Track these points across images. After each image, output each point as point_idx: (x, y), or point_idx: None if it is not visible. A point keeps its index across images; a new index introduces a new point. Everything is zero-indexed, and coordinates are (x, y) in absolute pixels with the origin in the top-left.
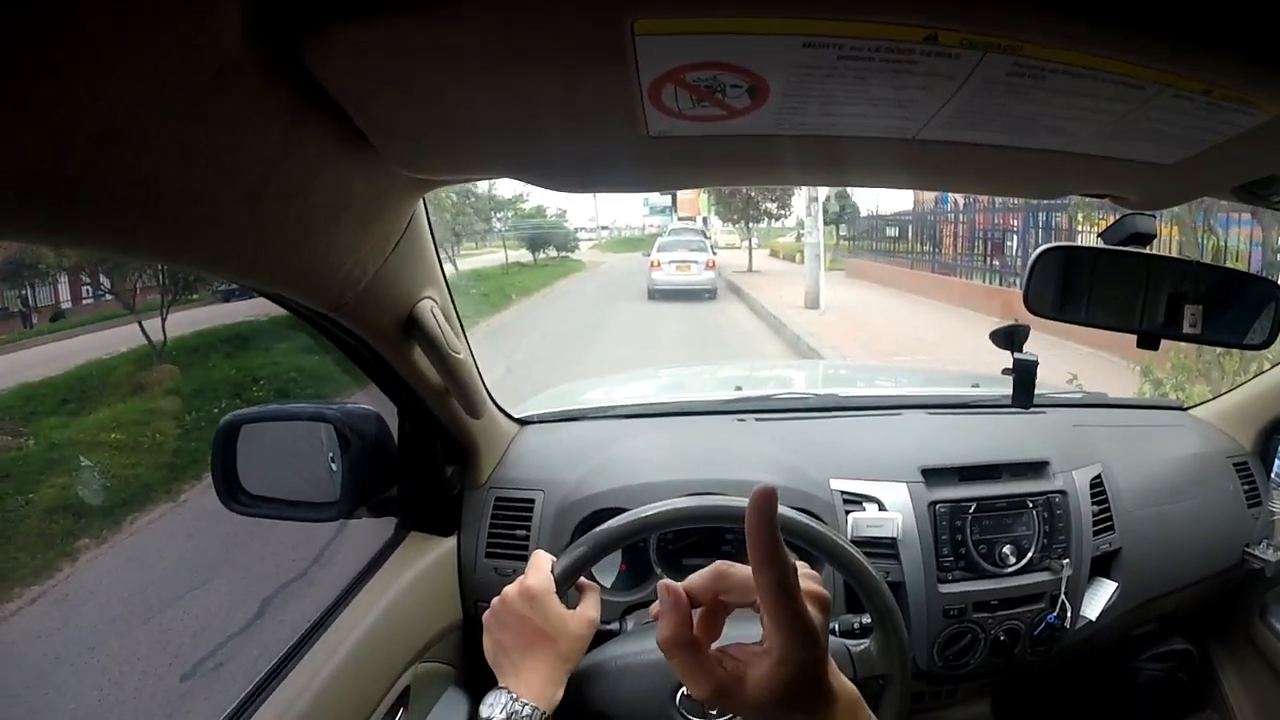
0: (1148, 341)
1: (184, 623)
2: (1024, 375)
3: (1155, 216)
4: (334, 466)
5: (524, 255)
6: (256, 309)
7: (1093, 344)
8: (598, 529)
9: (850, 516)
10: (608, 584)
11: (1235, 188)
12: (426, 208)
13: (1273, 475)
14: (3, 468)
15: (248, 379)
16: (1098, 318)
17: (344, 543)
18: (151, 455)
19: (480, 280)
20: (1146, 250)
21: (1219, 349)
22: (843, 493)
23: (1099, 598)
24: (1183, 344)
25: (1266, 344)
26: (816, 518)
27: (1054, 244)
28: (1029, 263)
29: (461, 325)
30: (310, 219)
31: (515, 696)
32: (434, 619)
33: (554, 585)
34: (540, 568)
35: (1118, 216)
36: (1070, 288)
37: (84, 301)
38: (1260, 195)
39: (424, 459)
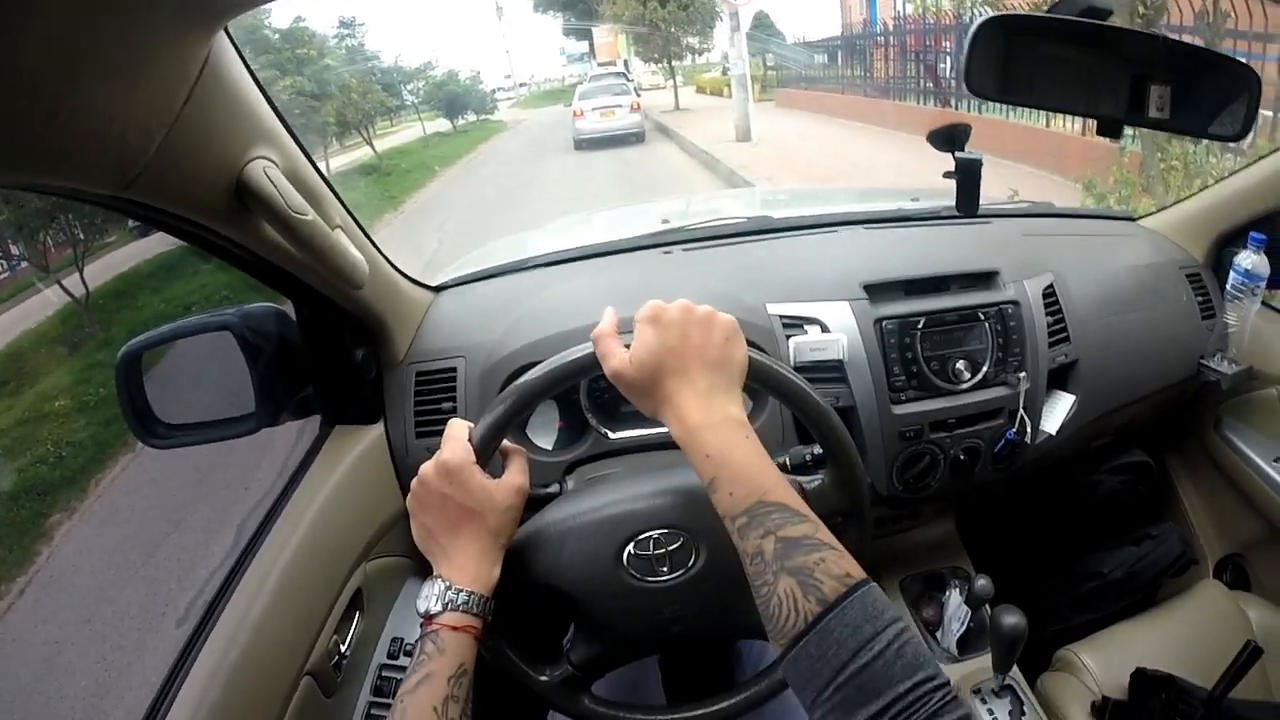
0: (1109, 128)
1: (168, 569)
2: (968, 176)
3: None
4: (249, 375)
5: (442, 125)
6: (177, 239)
7: (1031, 162)
8: (511, 386)
9: (791, 341)
10: (547, 444)
11: None
12: (239, 48)
13: (1228, 287)
14: None
15: (179, 309)
16: (1051, 99)
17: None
18: (100, 411)
19: (400, 156)
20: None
21: (1162, 164)
22: (781, 317)
23: (1057, 411)
24: (1125, 159)
25: (1238, 135)
26: (756, 347)
27: (996, 14)
28: (968, 36)
29: (331, 187)
30: (33, 75)
31: (450, 584)
32: (375, 514)
33: (473, 455)
34: (456, 438)
35: None
36: (1018, 65)
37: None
38: None
39: (331, 346)
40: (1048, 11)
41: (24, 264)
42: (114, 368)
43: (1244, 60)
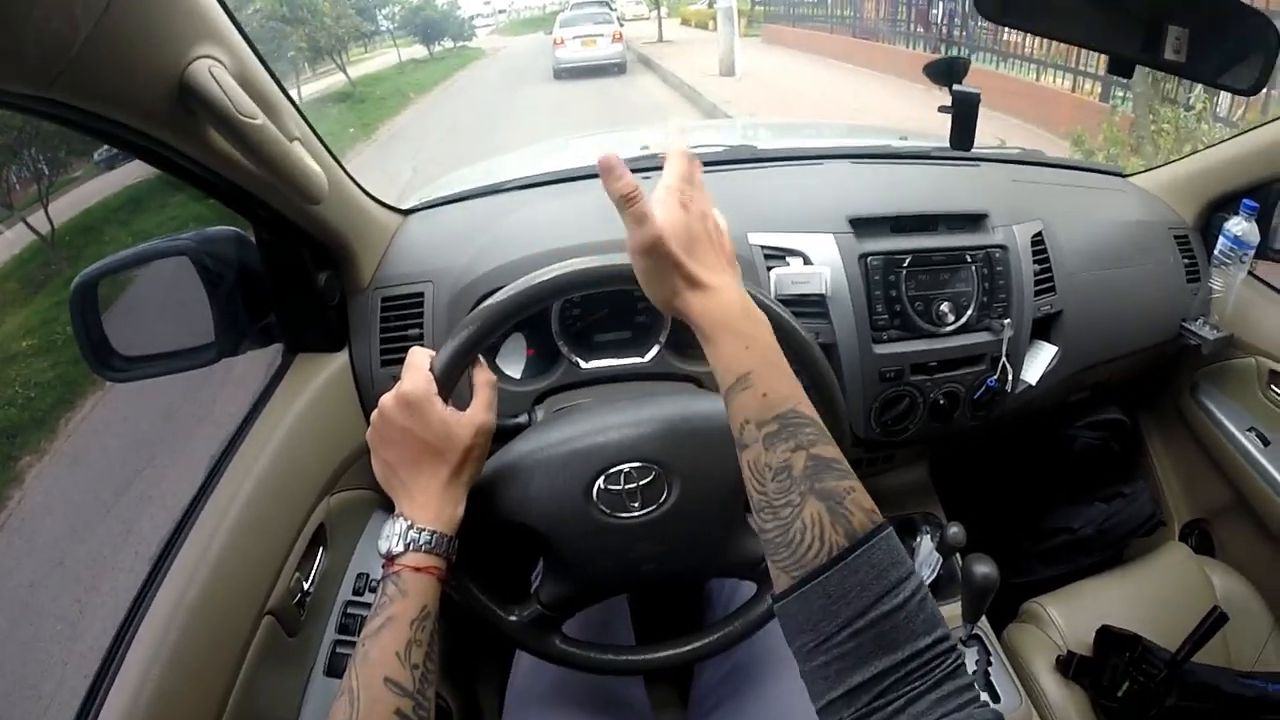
0: (1120, 66)
1: (140, 507)
2: (964, 110)
3: None
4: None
5: (418, 51)
6: (146, 170)
7: (1019, 115)
8: (476, 310)
9: (773, 273)
10: (515, 374)
11: None
12: None
13: (1215, 253)
14: None
15: (146, 241)
16: (1063, 28)
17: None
18: (67, 350)
19: (375, 83)
20: None
21: (1153, 126)
22: (763, 247)
23: (1039, 361)
24: (1116, 118)
25: (1252, 89)
26: None
27: None
28: None
29: (290, 98)
30: None
31: (411, 523)
32: (339, 445)
33: (434, 386)
34: (417, 367)
35: None
36: None
37: None
38: None
39: (292, 271)
40: None
41: None
42: (68, 298)
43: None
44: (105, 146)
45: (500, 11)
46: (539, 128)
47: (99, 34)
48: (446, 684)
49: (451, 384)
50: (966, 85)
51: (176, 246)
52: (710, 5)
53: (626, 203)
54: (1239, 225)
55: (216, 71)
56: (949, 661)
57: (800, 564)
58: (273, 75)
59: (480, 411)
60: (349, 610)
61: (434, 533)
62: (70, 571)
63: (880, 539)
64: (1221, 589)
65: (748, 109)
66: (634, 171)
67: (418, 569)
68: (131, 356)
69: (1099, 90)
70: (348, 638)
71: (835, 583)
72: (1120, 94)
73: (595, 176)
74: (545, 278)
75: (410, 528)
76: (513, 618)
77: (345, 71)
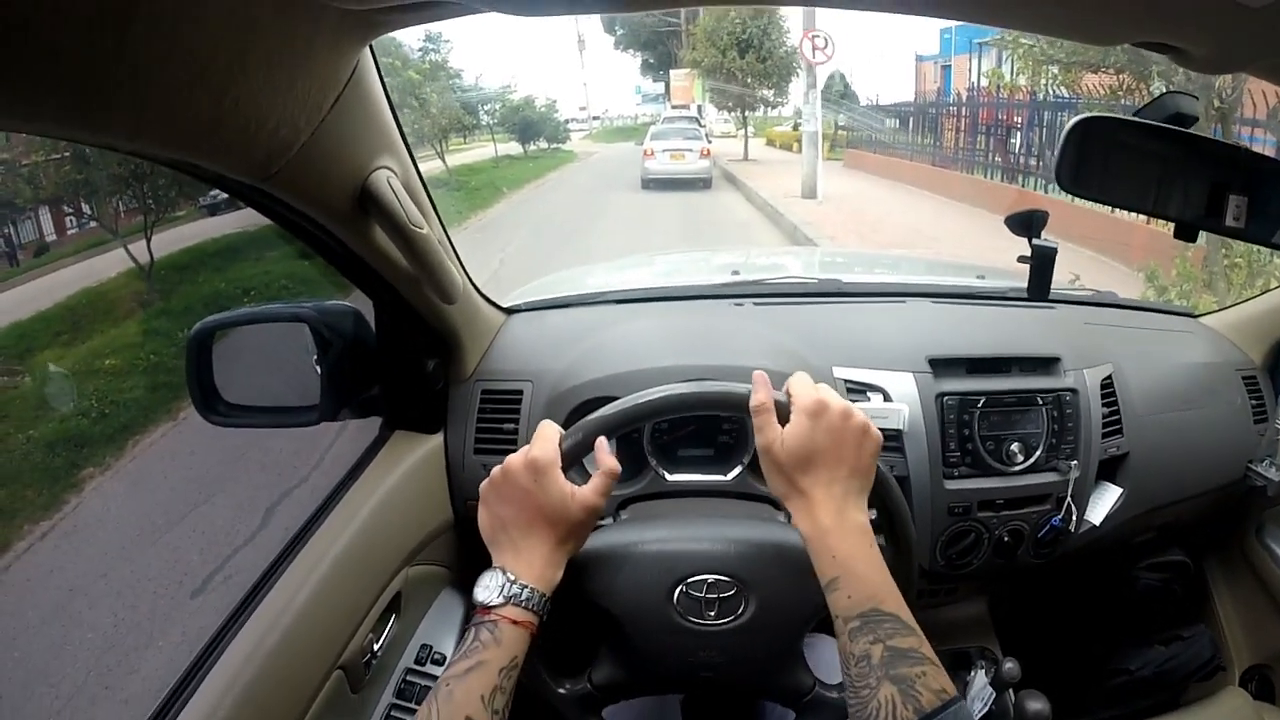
0: (1185, 231)
1: (191, 540)
2: (1042, 263)
3: (1198, 98)
4: (316, 369)
5: (514, 148)
6: (245, 220)
7: (1094, 247)
8: (607, 407)
9: (854, 407)
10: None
11: None
12: (378, 62)
13: None
14: (2, 408)
15: (238, 290)
16: (1132, 199)
17: (347, 444)
18: (148, 377)
19: (470, 174)
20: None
21: (1225, 261)
22: (847, 381)
23: (1103, 503)
24: (1189, 253)
25: None
26: None
27: (1091, 114)
28: (1063, 133)
29: (433, 203)
30: (206, 59)
31: (514, 578)
32: (424, 520)
33: (560, 459)
34: (548, 439)
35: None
36: (1105, 164)
37: (69, 232)
38: None
39: (404, 353)
40: (1137, 114)
41: (92, 223)
42: (186, 342)
43: None
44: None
45: (595, 118)
46: (625, 234)
47: (312, 142)
48: None
49: (575, 461)
50: (1045, 238)
51: (296, 313)
52: (795, 128)
53: (754, 413)
54: None
55: (393, 182)
56: None
57: None
58: (426, 189)
59: (595, 494)
60: (408, 678)
61: (535, 590)
62: (112, 585)
63: (947, 713)
64: None
65: (828, 231)
66: (726, 296)
67: (515, 621)
68: (236, 404)
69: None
70: (404, 703)
71: None
72: None
73: (688, 299)
74: (670, 393)
75: (513, 582)
76: (562, 690)
77: (444, 159)
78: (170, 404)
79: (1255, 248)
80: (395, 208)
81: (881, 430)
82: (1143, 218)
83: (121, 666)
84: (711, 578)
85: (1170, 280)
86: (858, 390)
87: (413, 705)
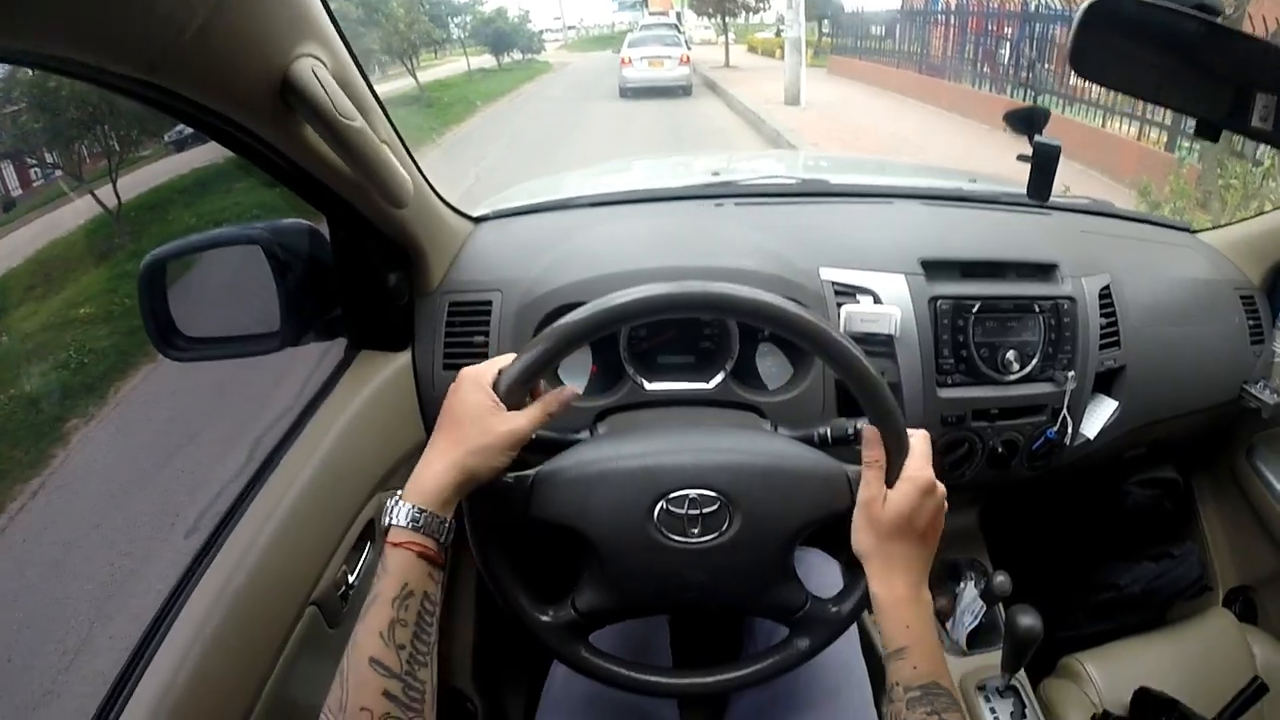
0: (1207, 129)
1: (180, 480)
2: (1044, 161)
3: None
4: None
5: (487, 61)
6: (214, 154)
7: (1083, 159)
8: (555, 324)
9: (843, 310)
10: (579, 389)
11: None
12: None
13: None
14: None
15: (209, 225)
16: (1151, 89)
17: (330, 365)
18: (125, 321)
19: (443, 90)
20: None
21: (1220, 181)
22: (834, 283)
23: (1098, 416)
24: (1182, 169)
25: None
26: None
27: None
28: (1077, 15)
29: (379, 102)
30: None
31: (398, 499)
32: (394, 443)
33: (494, 377)
34: (495, 361)
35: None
36: (1123, 51)
37: (34, 185)
38: None
39: (363, 269)
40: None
41: (58, 173)
42: (137, 276)
43: None
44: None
45: (570, 28)
46: (602, 144)
47: (210, 25)
48: (475, 686)
49: (523, 390)
50: (1047, 136)
51: (249, 235)
52: (778, 34)
53: (866, 466)
54: None
55: (319, 71)
56: None
57: None
58: (366, 79)
59: (525, 419)
60: None
61: (420, 510)
62: (105, 535)
63: None
64: (1263, 659)
65: (811, 139)
66: (705, 197)
67: (396, 544)
68: (195, 338)
69: (1164, 140)
70: None
71: None
72: (1186, 145)
73: (665, 200)
74: (629, 298)
75: (397, 503)
76: (545, 618)
77: (415, 76)
78: (148, 346)
79: (1251, 168)
80: (321, 99)
81: (872, 334)
82: (1132, 133)
83: (123, 614)
84: (694, 493)
85: (1163, 196)
86: (845, 292)
87: None
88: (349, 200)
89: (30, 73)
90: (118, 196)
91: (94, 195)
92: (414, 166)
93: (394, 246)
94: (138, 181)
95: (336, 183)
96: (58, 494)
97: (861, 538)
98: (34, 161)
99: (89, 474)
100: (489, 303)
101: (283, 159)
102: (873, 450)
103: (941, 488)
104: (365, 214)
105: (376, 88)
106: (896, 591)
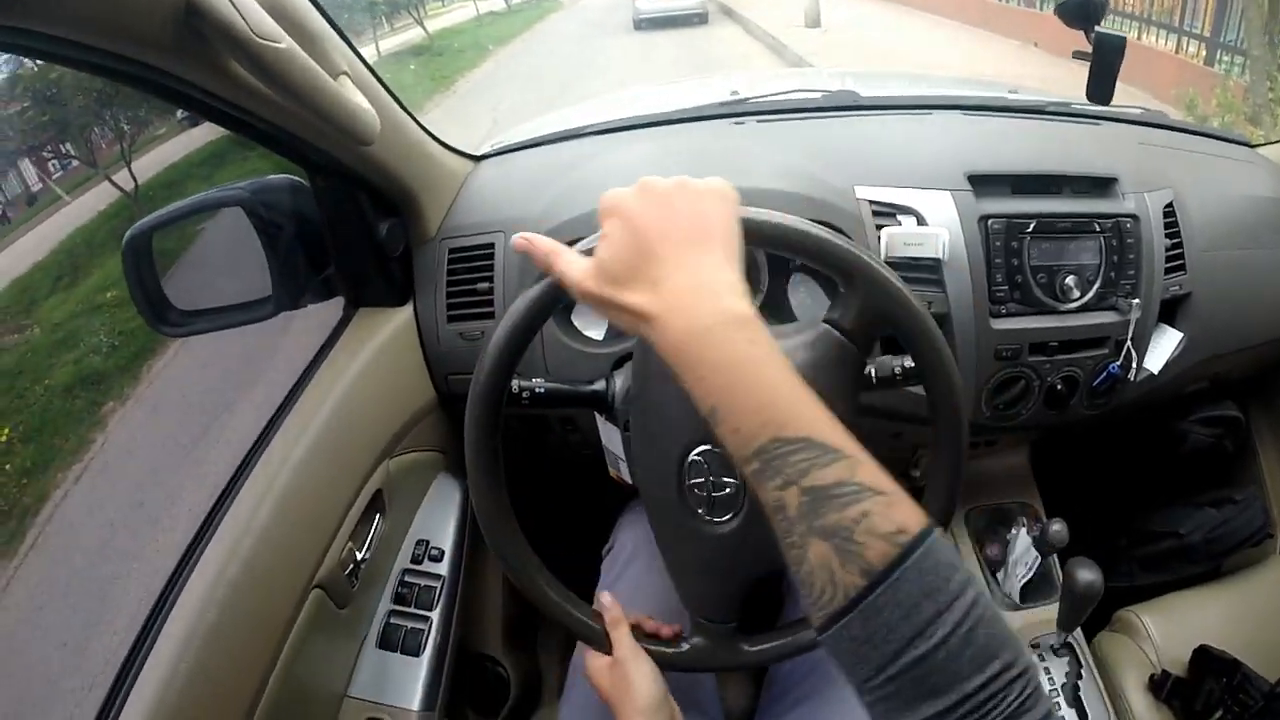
0: None
1: (218, 450)
2: (1107, 55)
3: None
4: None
5: (496, 3)
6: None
7: (1120, 75)
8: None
9: (883, 232)
10: (598, 334)
11: None
12: None
13: None
14: (16, 365)
15: None
16: None
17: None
18: None
19: (453, 37)
20: None
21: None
22: (872, 202)
23: (1162, 348)
24: (1229, 82)
25: None
26: (841, 233)
27: None
28: None
29: (340, 33)
30: None
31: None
32: (402, 405)
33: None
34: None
35: None
36: None
37: (55, 177)
38: None
39: (351, 219)
40: None
41: (75, 163)
42: (121, 252)
43: None
44: None
45: None
46: (618, 80)
47: None
48: (506, 652)
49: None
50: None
51: (230, 196)
52: None
53: (538, 263)
54: None
55: None
56: (1013, 694)
57: (819, 607)
58: (316, 4)
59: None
60: (406, 579)
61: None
62: (149, 513)
63: (908, 567)
64: None
65: (836, 62)
66: (725, 116)
67: None
68: (188, 311)
69: (1203, 53)
70: (404, 608)
71: (858, 627)
72: (1226, 59)
73: (676, 122)
74: (530, 297)
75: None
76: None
77: (423, 25)
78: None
79: None
80: (232, 18)
81: (916, 260)
82: (1169, 46)
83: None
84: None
85: (1211, 110)
86: (885, 213)
87: (415, 609)
88: (314, 143)
89: (34, 68)
90: (134, 179)
91: (110, 180)
92: (392, 102)
93: (381, 193)
94: (153, 162)
95: (294, 124)
96: (100, 477)
97: (614, 320)
98: (50, 154)
99: (128, 454)
100: (491, 245)
101: (221, 101)
102: (519, 240)
103: (657, 180)
104: (340, 158)
105: (385, 42)
106: (676, 333)
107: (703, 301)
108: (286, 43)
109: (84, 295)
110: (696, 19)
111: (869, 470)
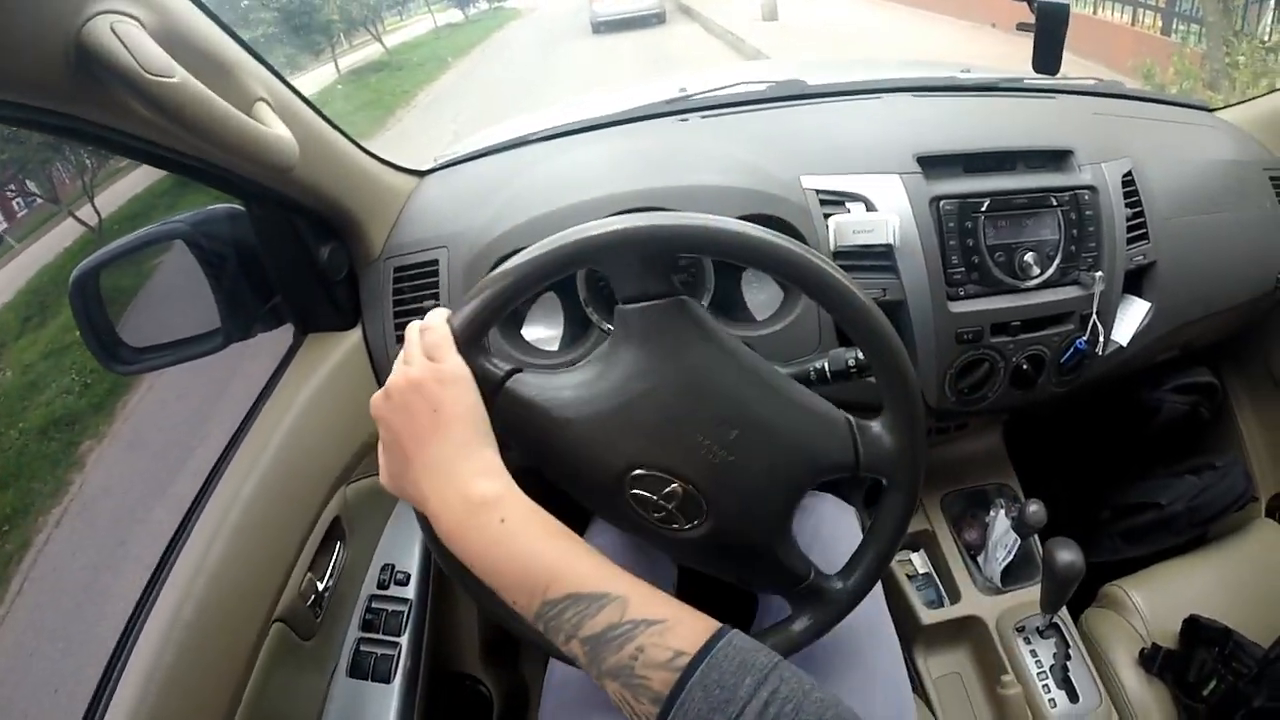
0: None
1: (196, 483)
2: (1050, 24)
3: None
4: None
5: (454, 15)
6: None
7: (1075, 50)
8: (498, 269)
9: (831, 221)
10: (552, 345)
11: None
12: None
13: None
14: None
15: None
16: None
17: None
18: None
19: (411, 51)
20: None
21: (1227, 59)
22: (819, 191)
23: (1129, 319)
24: (1186, 50)
25: None
26: (788, 226)
27: None
28: None
29: (259, 58)
30: None
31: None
32: (354, 430)
33: (452, 336)
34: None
35: None
36: None
37: (19, 216)
38: None
39: (290, 244)
40: None
41: (39, 200)
42: (68, 292)
43: None
44: None
45: None
46: (579, 84)
47: None
48: (487, 669)
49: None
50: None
51: (170, 230)
52: None
53: None
54: None
55: (121, 28)
56: None
57: None
58: (230, 32)
59: None
60: (373, 605)
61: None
62: (131, 551)
63: (690, 690)
64: None
65: (794, 56)
66: (670, 114)
67: None
68: (139, 347)
69: (1159, 24)
70: (372, 635)
71: None
72: (1182, 28)
73: (621, 123)
74: (586, 235)
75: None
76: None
77: (381, 41)
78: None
79: (1258, 45)
80: (123, 58)
81: (867, 247)
82: (1125, 20)
83: None
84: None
85: (1168, 79)
86: (833, 201)
87: (383, 636)
88: (237, 173)
89: None
90: (97, 213)
91: (75, 216)
92: (321, 123)
93: (318, 217)
94: (117, 194)
95: (210, 155)
96: (80, 519)
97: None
98: (14, 192)
99: (107, 493)
100: (436, 262)
101: (134, 139)
102: None
103: (397, 375)
104: (269, 186)
105: (344, 59)
106: (445, 531)
107: (451, 497)
108: (180, 76)
109: (53, 335)
110: (654, 19)
111: (639, 604)
